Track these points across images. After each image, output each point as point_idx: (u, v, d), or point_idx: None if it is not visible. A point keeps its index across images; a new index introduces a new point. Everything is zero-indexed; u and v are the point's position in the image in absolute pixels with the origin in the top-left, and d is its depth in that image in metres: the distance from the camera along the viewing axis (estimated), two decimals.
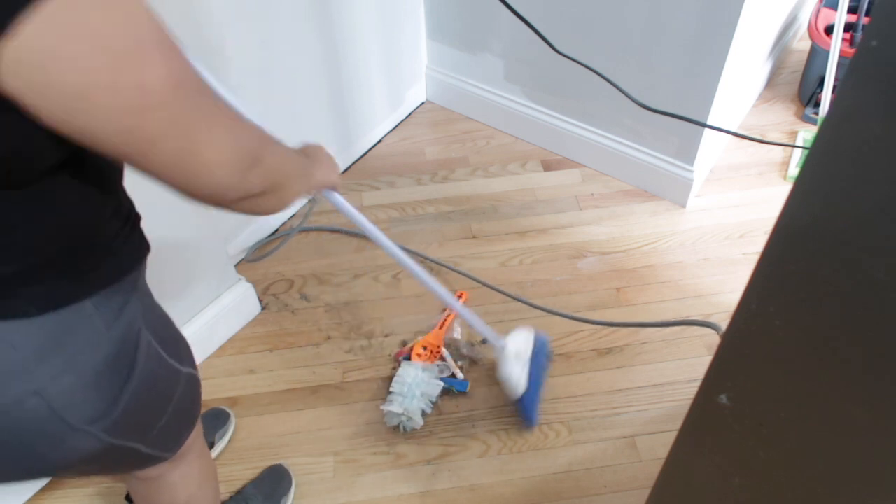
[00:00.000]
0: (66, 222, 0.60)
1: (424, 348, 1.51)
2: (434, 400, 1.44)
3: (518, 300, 1.64)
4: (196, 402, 0.88)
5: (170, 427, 0.80)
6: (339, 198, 1.05)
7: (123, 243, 0.67)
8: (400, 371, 1.45)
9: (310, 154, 0.92)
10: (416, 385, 1.41)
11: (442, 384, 1.45)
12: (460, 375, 1.49)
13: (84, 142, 0.49)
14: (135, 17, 0.47)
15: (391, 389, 1.42)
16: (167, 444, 0.84)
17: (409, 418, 1.39)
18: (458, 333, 1.57)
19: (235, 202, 0.60)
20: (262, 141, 0.62)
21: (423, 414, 1.42)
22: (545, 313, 1.61)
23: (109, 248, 0.65)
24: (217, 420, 1.41)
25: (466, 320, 1.30)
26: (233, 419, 1.44)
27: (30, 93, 0.44)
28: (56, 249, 0.60)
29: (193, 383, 0.85)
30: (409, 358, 1.50)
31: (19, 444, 0.64)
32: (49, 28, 0.42)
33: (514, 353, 1.32)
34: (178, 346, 0.81)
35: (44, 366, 0.62)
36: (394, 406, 1.39)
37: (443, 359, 1.52)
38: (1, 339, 0.60)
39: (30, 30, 0.42)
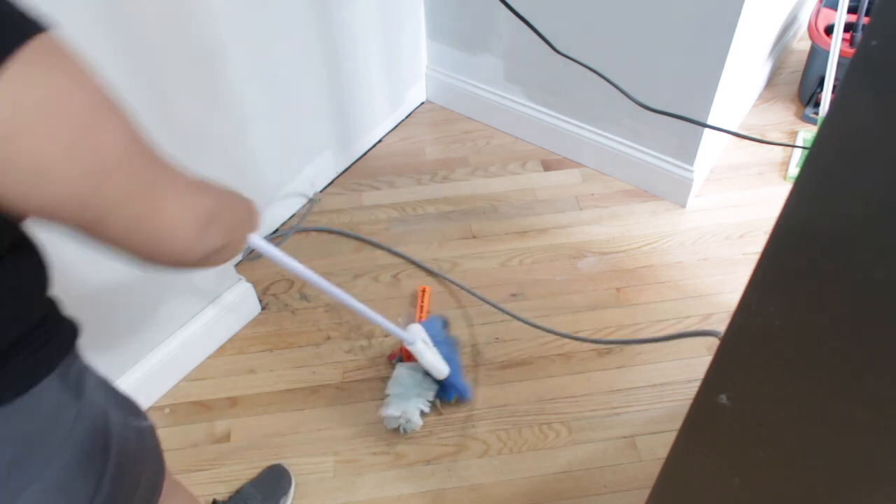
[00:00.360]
0: (25, 298, 0.57)
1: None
2: (432, 399, 1.44)
3: (503, 310, 1.64)
4: (160, 453, 0.82)
5: (144, 492, 0.75)
6: (259, 242, 0.96)
7: (62, 309, 0.63)
8: (395, 373, 1.45)
9: (245, 203, 0.88)
10: (413, 386, 1.41)
11: (437, 384, 1.44)
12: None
13: (41, 216, 0.48)
14: (87, 84, 0.46)
15: (387, 392, 1.43)
16: None
17: (408, 420, 1.39)
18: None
19: (196, 263, 0.59)
20: (216, 195, 0.61)
21: (422, 414, 1.42)
22: (544, 314, 1.61)
23: (58, 315, 0.62)
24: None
25: (369, 318, 1.26)
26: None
27: None
28: (20, 326, 0.56)
29: (153, 436, 0.80)
30: (401, 359, 1.50)
31: None
32: (4, 101, 0.41)
33: (423, 343, 1.37)
34: (130, 402, 0.76)
35: (18, 472, 0.57)
36: (391, 409, 1.39)
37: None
38: None
39: None
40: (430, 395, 1.43)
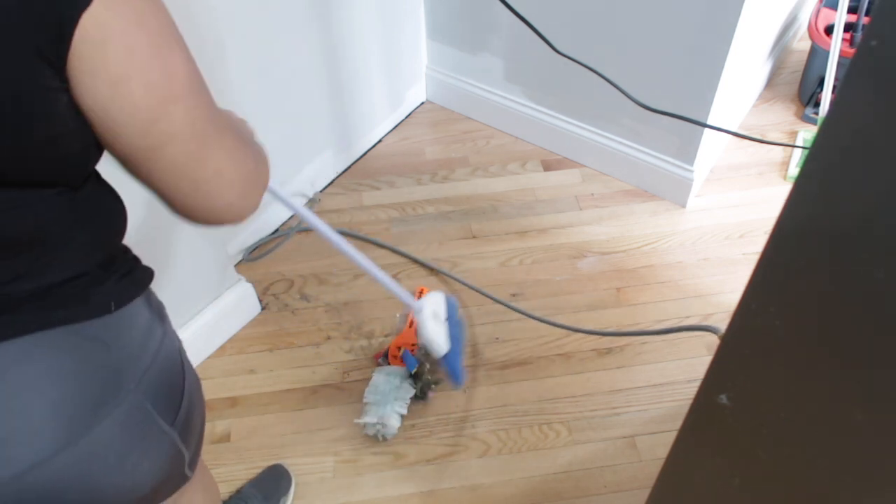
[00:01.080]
0: (110, 221, 0.63)
1: (399, 348, 1.49)
2: (408, 402, 1.43)
3: (507, 305, 1.64)
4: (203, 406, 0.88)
5: (199, 434, 0.80)
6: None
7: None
8: (372, 380, 1.44)
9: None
10: (389, 392, 1.41)
11: (413, 389, 1.43)
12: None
13: (109, 137, 0.51)
14: (164, 12, 0.50)
15: (365, 400, 1.42)
16: (196, 454, 0.82)
17: (385, 425, 1.38)
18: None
19: (232, 221, 0.61)
20: (257, 152, 0.63)
21: (400, 417, 1.41)
22: (544, 314, 1.61)
23: (135, 256, 0.68)
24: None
25: (380, 280, 1.25)
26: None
27: (84, 73, 0.47)
28: (110, 248, 0.63)
29: (199, 386, 0.85)
30: (387, 358, 1.49)
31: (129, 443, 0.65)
32: (108, 6, 0.46)
33: (432, 314, 1.29)
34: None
35: (144, 354, 0.65)
36: (368, 416, 1.38)
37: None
38: (95, 338, 0.60)
39: (97, 5, 0.46)
40: (408, 398, 1.42)
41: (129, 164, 0.54)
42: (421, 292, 1.63)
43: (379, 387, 1.42)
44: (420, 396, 1.45)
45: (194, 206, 0.57)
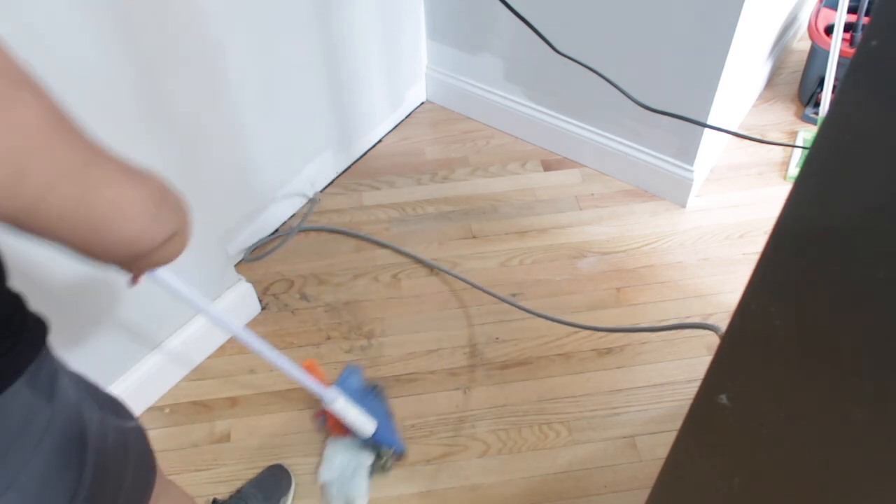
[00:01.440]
0: None
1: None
2: (370, 465, 1.35)
3: (509, 302, 1.64)
4: (150, 454, 0.79)
5: (130, 493, 0.72)
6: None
7: (27, 306, 0.57)
8: (325, 454, 1.37)
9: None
10: (346, 464, 1.34)
11: (372, 453, 1.36)
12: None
13: None
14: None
15: (322, 479, 1.35)
16: None
17: (354, 501, 1.32)
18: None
19: (152, 250, 0.55)
20: (155, 177, 0.56)
21: (367, 489, 1.34)
22: (541, 315, 1.61)
23: (23, 314, 0.56)
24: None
25: (297, 379, 1.21)
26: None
27: None
28: None
29: (141, 436, 0.76)
30: (325, 419, 1.39)
31: None
32: None
33: (343, 401, 1.27)
34: (112, 401, 0.73)
35: None
36: (335, 500, 1.32)
37: None
38: None
39: None
40: (369, 461, 1.35)
41: (15, 226, 0.46)
42: (309, 367, 1.46)
43: (333, 461, 1.35)
44: (379, 460, 1.36)
45: (105, 246, 0.51)
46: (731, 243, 1.77)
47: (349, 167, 1.99)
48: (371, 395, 1.39)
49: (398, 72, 2.01)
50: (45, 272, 1.14)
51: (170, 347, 1.47)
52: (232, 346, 1.58)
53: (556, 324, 1.58)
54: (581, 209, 1.86)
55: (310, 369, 1.37)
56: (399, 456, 1.39)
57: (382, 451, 1.36)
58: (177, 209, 0.59)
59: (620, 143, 1.86)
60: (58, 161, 0.45)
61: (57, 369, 0.61)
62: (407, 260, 1.75)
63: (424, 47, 2.06)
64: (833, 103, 0.42)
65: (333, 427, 1.36)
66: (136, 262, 0.56)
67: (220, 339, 1.58)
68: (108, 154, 0.50)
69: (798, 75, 2.18)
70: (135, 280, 0.74)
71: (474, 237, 1.80)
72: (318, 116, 1.79)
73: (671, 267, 1.72)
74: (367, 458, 1.35)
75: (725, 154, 1.99)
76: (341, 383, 1.34)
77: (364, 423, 1.30)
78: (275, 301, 1.67)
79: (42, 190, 0.45)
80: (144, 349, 1.43)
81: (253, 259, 1.75)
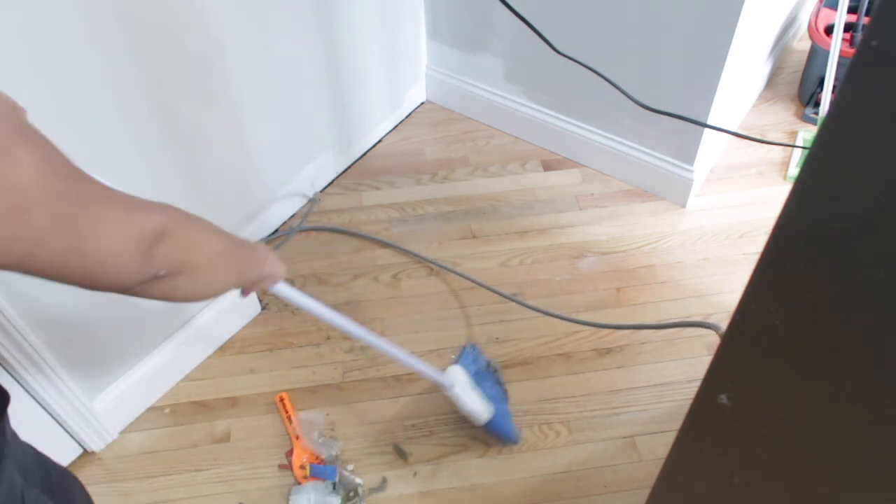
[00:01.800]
0: None
1: (302, 467, 1.37)
2: None
3: (513, 300, 1.64)
4: None
5: None
6: (288, 290, 0.96)
7: None
8: (291, 502, 1.33)
9: (252, 246, 0.81)
10: None
11: (339, 497, 1.32)
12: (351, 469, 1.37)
13: None
14: None
15: None
16: None
17: None
18: (312, 436, 1.41)
19: (137, 286, 0.54)
20: (170, 216, 0.56)
21: None
22: (544, 312, 1.61)
23: None
24: None
25: (410, 366, 1.20)
26: None
27: None
28: None
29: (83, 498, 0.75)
30: (290, 465, 1.37)
31: None
32: None
33: (461, 386, 1.25)
34: (70, 494, 0.71)
35: None
36: None
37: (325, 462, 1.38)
38: None
39: None
40: None
41: (8, 270, 0.46)
42: (282, 400, 1.48)
43: None
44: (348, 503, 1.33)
45: (99, 286, 0.51)
46: (731, 243, 1.77)
47: (349, 167, 1.99)
48: (488, 376, 1.34)
49: (398, 72, 2.01)
50: None
51: (170, 347, 1.47)
52: (232, 346, 1.58)
53: (556, 324, 1.58)
54: (581, 209, 1.86)
55: (281, 402, 1.42)
56: (512, 443, 1.37)
57: (352, 493, 1.32)
58: (190, 248, 0.58)
59: (620, 143, 1.86)
60: (54, 216, 0.45)
61: (2, 452, 0.59)
62: (407, 260, 1.75)
63: (424, 47, 2.06)
64: (833, 103, 0.42)
65: (299, 474, 1.35)
66: (133, 293, 0.55)
67: (220, 338, 1.58)
68: (102, 194, 0.49)
69: (798, 75, 2.18)
70: (244, 293, 0.83)
71: (474, 237, 1.80)
72: (318, 116, 1.79)
73: (671, 267, 1.72)
74: (337, 500, 1.32)
75: (725, 154, 1.99)
76: (461, 362, 1.30)
77: (480, 410, 1.26)
78: (275, 301, 1.67)
79: (38, 243, 0.45)
80: (145, 349, 1.43)
81: None
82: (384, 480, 1.36)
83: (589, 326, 1.59)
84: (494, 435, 1.37)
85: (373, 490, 1.34)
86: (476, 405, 1.27)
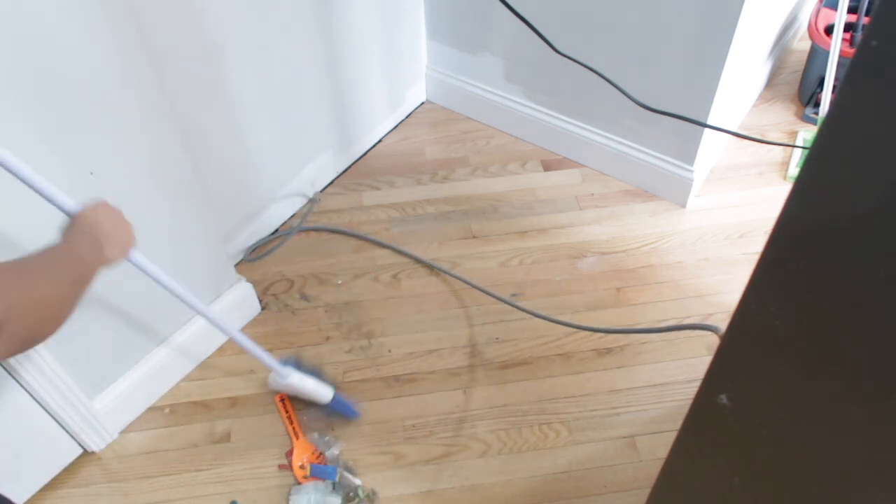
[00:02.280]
0: None
1: (302, 467, 1.37)
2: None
3: (508, 303, 1.64)
4: None
5: None
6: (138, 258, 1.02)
7: None
8: (291, 502, 1.33)
9: (78, 230, 0.79)
10: None
11: (339, 497, 1.33)
12: (358, 480, 1.37)
13: None
14: None
15: None
16: None
17: None
18: (313, 436, 1.42)
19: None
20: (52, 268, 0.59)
21: None
22: (541, 317, 1.61)
23: None
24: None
25: (253, 353, 1.32)
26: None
27: None
28: None
29: None
30: (290, 465, 1.38)
31: None
32: None
33: (297, 375, 1.39)
34: None
35: None
36: None
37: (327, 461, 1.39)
38: None
39: None
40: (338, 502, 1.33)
41: None
42: (282, 400, 1.49)
43: None
44: (349, 502, 1.33)
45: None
46: (731, 243, 1.77)
47: (349, 167, 1.99)
48: (315, 374, 1.45)
49: (398, 72, 2.01)
50: None
51: (170, 347, 1.47)
52: (232, 346, 1.58)
53: (556, 324, 1.58)
54: (581, 209, 1.86)
55: (282, 402, 1.48)
56: (353, 419, 1.45)
57: (352, 494, 1.34)
58: (25, 314, 0.59)
59: (620, 143, 1.86)
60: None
61: None
62: (407, 260, 1.75)
63: (424, 47, 2.06)
64: (833, 103, 0.42)
65: (299, 474, 1.36)
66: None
67: (220, 338, 1.58)
68: (24, 286, 0.54)
69: (798, 75, 2.18)
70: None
71: (474, 237, 1.80)
72: (318, 116, 1.79)
73: (671, 267, 1.72)
74: (337, 499, 1.33)
75: (725, 154, 1.99)
76: (285, 364, 1.42)
77: (322, 390, 1.40)
78: (275, 301, 1.67)
79: None
80: (145, 349, 1.43)
81: (253, 259, 1.75)
82: (374, 493, 1.35)
83: (592, 327, 1.59)
84: (338, 413, 1.44)
85: (370, 499, 1.34)
86: (317, 386, 1.40)
